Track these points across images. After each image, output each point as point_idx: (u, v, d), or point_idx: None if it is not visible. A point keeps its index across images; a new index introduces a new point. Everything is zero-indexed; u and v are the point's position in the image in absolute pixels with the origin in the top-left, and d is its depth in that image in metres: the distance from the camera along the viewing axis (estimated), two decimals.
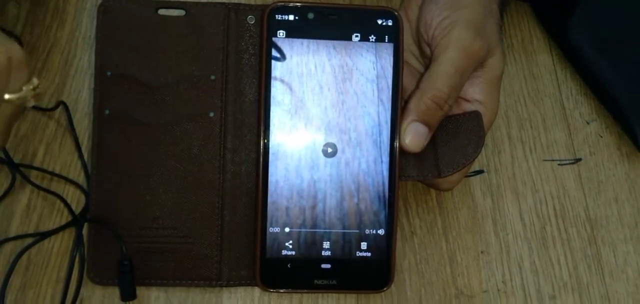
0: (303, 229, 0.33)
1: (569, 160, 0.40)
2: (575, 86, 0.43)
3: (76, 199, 0.36)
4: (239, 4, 0.36)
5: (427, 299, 0.35)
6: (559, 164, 0.40)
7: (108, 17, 0.35)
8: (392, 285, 0.34)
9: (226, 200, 0.35)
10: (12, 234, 0.35)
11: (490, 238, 0.37)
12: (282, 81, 0.34)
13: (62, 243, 0.35)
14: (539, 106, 0.42)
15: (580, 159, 0.40)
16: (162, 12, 0.36)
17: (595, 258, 0.37)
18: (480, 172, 0.39)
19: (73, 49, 0.40)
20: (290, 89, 0.34)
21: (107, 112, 0.35)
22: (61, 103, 0.38)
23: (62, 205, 0.36)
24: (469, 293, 0.36)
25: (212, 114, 0.35)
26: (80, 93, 0.39)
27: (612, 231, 0.38)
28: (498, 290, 0.36)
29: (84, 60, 0.40)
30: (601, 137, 0.41)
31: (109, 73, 0.35)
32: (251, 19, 0.36)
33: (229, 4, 0.36)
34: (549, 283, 0.36)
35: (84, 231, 0.35)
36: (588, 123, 0.42)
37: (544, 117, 0.41)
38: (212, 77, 0.35)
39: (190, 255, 0.34)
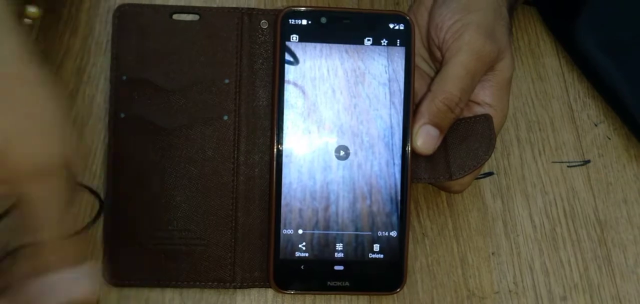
0: (316, 231, 0.34)
1: (577, 162, 0.40)
2: (582, 89, 0.43)
3: (90, 205, 0.36)
4: (253, 9, 0.37)
5: (439, 300, 0.35)
6: (567, 166, 0.40)
7: (123, 22, 0.36)
8: (405, 287, 0.35)
9: (240, 202, 0.35)
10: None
11: (501, 239, 0.38)
12: (295, 84, 0.34)
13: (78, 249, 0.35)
14: (547, 108, 0.42)
15: (589, 161, 0.41)
16: (176, 16, 0.36)
17: (605, 259, 0.37)
18: (490, 174, 0.40)
19: (86, 55, 0.41)
20: (303, 92, 0.34)
21: (122, 115, 0.35)
22: None
23: (78, 207, 0.36)
24: (481, 294, 0.36)
25: (225, 118, 0.36)
26: (94, 98, 0.39)
27: (622, 232, 0.38)
28: (509, 291, 0.36)
29: (97, 66, 0.40)
30: (609, 139, 0.41)
31: (124, 77, 0.35)
32: (264, 24, 0.37)
33: (242, 8, 0.37)
34: (559, 284, 0.36)
35: (99, 234, 0.35)
36: (596, 125, 0.42)
37: (552, 119, 0.42)
38: (226, 81, 0.36)
39: (204, 257, 0.35)
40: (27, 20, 0.34)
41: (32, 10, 0.34)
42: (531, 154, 0.41)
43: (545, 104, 0.42)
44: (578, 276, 0.37)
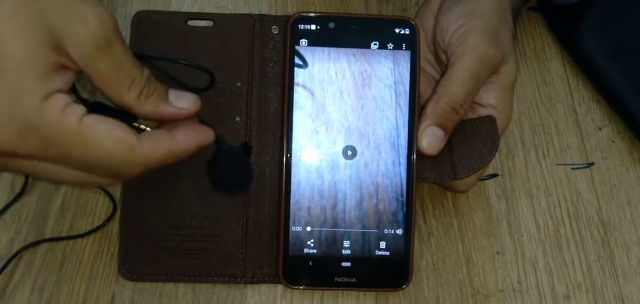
0: (324, 228, 0.35)
1: (581, 164, 0.41)
2: (587, 93, 0.44)
3: (105, 206, 0.38)
4: (264, 15, 0.38)
5: (444, 298, 0.36)
6: (571, 169, 0.41)
7: (141, 27, 0.37)
8: (410, 284, 0.36)
9: (251, 200, 0.36)
10: (47, 234, 0.37)
11: (506, 239, 0.38)
12: (304, 87, 0.35)
13: (95, 241, 0.37)
14: (551, 111, 0.43)
15: (592, 164, 0.41)
16: (191, 23, 0.38)
17: (608, 259, 0.38)
18: (494, 175, 0.40)
19: None
20: (312, 94, 0.35)
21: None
22: None
23: (94, 206, 0.38)
24: (485, 292, 0.37)
25: (238, 119, 0.37)
26: None
27: (625, 234, 0.39)
28: (513, 290, 0.37)
29: None
30: (613, 142, 0.42)
31: None
32: (275, 29, 0.38)
33: (254, 15, 0.38)
34: (563, 284, 0.37)
35: (115, 229, 0.37)
36: (600, 129, 0.43)
37: (557, 122, 0.43)
38: (238, 84, 0.37)
39: (216, 253, 0.36)
40: None
41: None
42: (535, 156, 0.41)
43: (549, 107, 0.43)
44: (581, 275, 0.37)
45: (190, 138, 0.29)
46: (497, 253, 0.38)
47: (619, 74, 0.42)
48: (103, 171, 0.28)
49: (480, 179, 0.39)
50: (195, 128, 0.30)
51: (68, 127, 0.26)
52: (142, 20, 0.38)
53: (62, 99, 0.26)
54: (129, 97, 0.28)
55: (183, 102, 0.29)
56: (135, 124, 0.29)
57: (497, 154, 0.41)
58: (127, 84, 0.27)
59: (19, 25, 0.25)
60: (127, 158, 0.27)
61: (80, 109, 0.26)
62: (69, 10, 0.26)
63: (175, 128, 0.29)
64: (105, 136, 0.26)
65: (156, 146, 0.28)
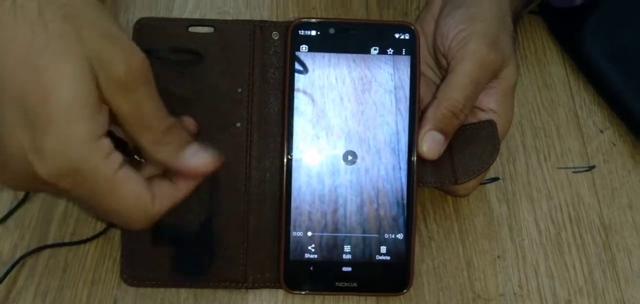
0: (325, 233, 0.35)
1: (583, 168, 0.41)
2: (588, 96, 0.44)
3: None
4: (264, 21, 0.39)
5: (445, 302, 0.36)
6: (573, 172, 0.41)
7: (143, 33, 0.37)
8: (411, 288, 0.36)
9: (252, 206, 0.37)
10: (50, 240, 0.37)
11: (506, 243, 0.38)
12: (304, 92, 0.35)
13: (98, 247, 0.37)
14: (552, 115, 0.43)
15: (594, 167, 0.41)
16: (192, 29, 0.38)
17: (610, 263, 0.38)
18: (495, 179, 0.40)
19: None
20: (313, 100, 0.35)
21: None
22: None
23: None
24: (486, 296, 0.37)
25: (238, 125, 0.37)
26: None
27: (627, 237, 0.39)
28: (514, 294, 0.37)
29: None
30: (614, 145, 0.42)
31: None
32: (275, 35, 0.38)
33: (254, 21, 0.38)
34: (564, 288, 0.37)
35: (117, 235, 0.37)
36: (601, 132, 0.43)
37: (558, 126, 0.43)
38: (239, 90, 0.37)
39: (217, 258, 0.36)
40: None
41: None
42: (537, 160, 0.41)
43: (551, 111, 0.43)
44: (583, 280, 0.37)
45: (190, 184, 0.31)
46: (498, 257, 0.38)
47: (620, 76, 0.42)
48: (116, 219, 0.29)
49: (481, 183, 0.39)
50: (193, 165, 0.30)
51: (106, 175, 0.26)
52: (144, 27, 0.38)
53: (107, 145, 0.26)
54: (144, 140, 0.28)
55: (198, 160, 0.30)
56: (136, 157, 0.30)
57: (498, 158, 0.41)
58: (145, 128, 0.28)
59: (63, 66, 0.25)
60: (140, 215, 0.28)
61: (118, 158, 0.27)
62: (99, 51, 0.26)
63: (178, 177, 0.30)
64: (131, 193, 0.28)
65: (164, 202, 0.29)
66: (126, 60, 0.26)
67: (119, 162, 0.27)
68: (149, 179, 0.29)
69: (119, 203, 0.27)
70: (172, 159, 0.29)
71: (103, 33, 0.26)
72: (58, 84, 0.25)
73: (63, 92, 0.25)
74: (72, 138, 0.25)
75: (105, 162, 0.26)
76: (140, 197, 0.28)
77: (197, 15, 0.45)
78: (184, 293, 0.36)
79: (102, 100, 0.26)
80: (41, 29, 0.25)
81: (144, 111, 0.28)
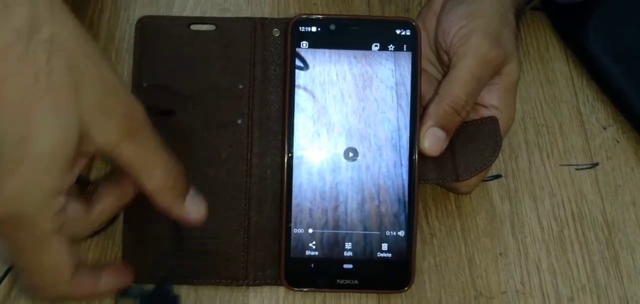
0: (326, 230, 0.35)
1: (586, 165, 0.41)
2: (591, 92, 0.44)
3: None
4: (265, 18, 0.38)
5: (447, 299, 0.36)
6: (576, 169, 0.41)
7: (145, 32, 0.37)
8: (413, 286, 0.36)
9: (252, 203, 0.36)
10: None
11: (509, 240, 0.38)
12: (305, 89, 0.35)
13: (98, 244, 0.37)
14: (555, 112, 0.43)
15: (597, 164, 0.41)
16: (194, 27, 0.38)
17: (613, 260, 0.38)
18: (498, 176, 0.40)
19: None
20: (313, 96, 0.35)
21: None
22: None
23: None
24: (488, 294, 0.36)
25: (239, 122, 0.37)
26: None
27: (630, 235, 0.39)
28: (517, 291, 0.37)
29: (118, 72, 0.42)
30: (618, 142, 0.42)
31: (145, 84, 0.37)
32: (276, 32, 0.38)
33: (255, 18, 0.38)
34: (567, 285, 0.37)
35: (118, 232, 0.37)
36: (605, 129, 0.42)
37: (561, 123, 0.42)
38: (240, 87, 0.37)
39: (218, 255, 0.36)
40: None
41: None
42: (539, 157, 0.41)
43: (554, 107, 0.43)
44: (585, 277, 0.37)
45: (110, 285, 0.30)
46: (500, 255, 0.38)
47: (623, 73, 0.42)
48: (29, 278, 0.28)
49: (483, 180, 0.39)
50: (118, 272, 0.31)
51: (45, 233, 0.26)
52: (145, 26, 0.38)
53: (60, 203, 0.26)
54: (148, 186, 0.29)
55: (196, 208, 0.31)
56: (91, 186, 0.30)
57: (500, 155, 0.41)
58: (149, 172, 0.29)
59: (52, 118, 0.25)
60: (53, 285, 0.28)
61: (60, 224, 0.27)
62: (100, 105, 0.26)
63: (103, 271, 0.30)
64: (57, 260, 0.27)
65: (80, 289, 0.29)
66: (125, 111, 0.27)
67: (60, 225, 0.27)
68: (77, 263, 0.28)
69: (40, 264, 0.27)
70: (174, 207, 0.30)
71: (104, 85, 0.27)
72: (41, 132, 0.24)
73: (42, 142, 0.25)
74: (35, 187, 0.25)
75: (51, 220, 0.26)
76: (62, 269, 0.27)
77: (198, 13, 0.45)
78: (185, 290, 0.36)
79: (105, 153, 0.27)
80: (44, 77, 0.24)
81: (147, 157, 0.28)
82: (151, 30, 0.38)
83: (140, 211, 0.36)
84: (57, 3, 0.26)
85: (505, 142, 0.41)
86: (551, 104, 0.43)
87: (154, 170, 0.29)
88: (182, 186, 0.30)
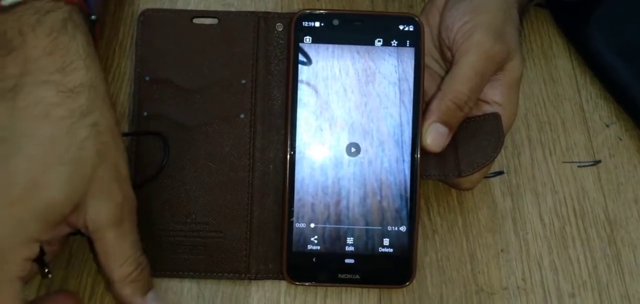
0: (327, 225, 0.35)
1: (588, 162, 0.41)
2: (594, 90, 0.44)
3: None
4: (268, 13, 0.39)
5: (448, 295, 0.36)
6: (578, 166, 0.41)
7: (147, 26, 0.38)
8: (414, 281, 0.36)
9: (255, 197, 0.37)
10: None
11: (510, 237, 0.38)
12: (308, 84, 0.35)
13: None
14: (558, 109, 0.43)
15: (599, 161, 0.41)
16: (196, 21, 0.38)
17: (615, 258, 0.38)
18: (500, 173, 0.40)
19: (111, 57, 0.43)
20: (316, 91, 0.35)
21: (145, 114, 0.37)
22: None
23: None
24: (489, 290, 0.36)
25: (242, 116, 0.37)
26: (118, 97, 0.41)
27: (632, 232, 0.39)
28: (518, 287, 0.37)
29: (121, 67, 0.42)
30: (621, 140, 0.42)
31: (147, 78, 0.37)
32: (279, 26, 0.38)
33: (258, 12, 0.38)
34: (568, 282, 0.37)
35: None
36: (607, 126, 0.42)
37: (564, 120, 0.42)
38: (243, 81, 0.37)
39: (221, 249, 0.36)
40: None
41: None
42: (542, 154, 0.41)
43: (557, 105, 0.43)
44: (587, 274, 0.37)
45: None
46: (502, 251, 0.38)
47: (627, 70, 0.42)
48: None
49: (485, 177, 0.39)
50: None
51: (7, 271, 0.28)
52: (148, 19, 0.38)
53: (34, 252, 0.28)
54: (118, 273, 0.31)
55: None
56: (46, 270, 0.31)
57: (503, 152, 0.41)
58: (121, 261, 0.31)
59: (67, 179, 0.28)
60: None
61: (23, 273, 0.28)
62: (105, 188, 0.30)
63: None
64: (11, 300, 0.28)
65: None
66: (122, 200, 0.30)
67: (24, 274, 0.28)
68: None
69: None
70: (135, 299, 0.31)
71: (115, 174, 0.30)
72: (51, 185, 0.28)
73: (48, 193, 0.28)
74: (23, 227, 0.28)
75: (21, 264, 0.28)
76: None
77: (201, 7, 0.45)
78: (187, 283, 0.36)
79: (90, 231, 0.30)
80: (76, 150, 0.29)
81: (124, 244, 0.31)
82: (154, 23, 0.38)
83: (143, 204, 0.36)
84: (106, 99, 0.31)
85: (507, 139, 0.41)
86: (554, 101, 0.43)
87: (124, 261, 0.31)
88: (144, 283, 0.32)
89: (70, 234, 0.32)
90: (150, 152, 0.36)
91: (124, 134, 0.35)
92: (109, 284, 0.32)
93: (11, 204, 0.28)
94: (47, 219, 0.28)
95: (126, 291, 0.31)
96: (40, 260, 0.30)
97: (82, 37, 0.31)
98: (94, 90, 0.30)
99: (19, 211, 0.28)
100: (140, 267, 0.32)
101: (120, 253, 0.31)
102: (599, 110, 0.43)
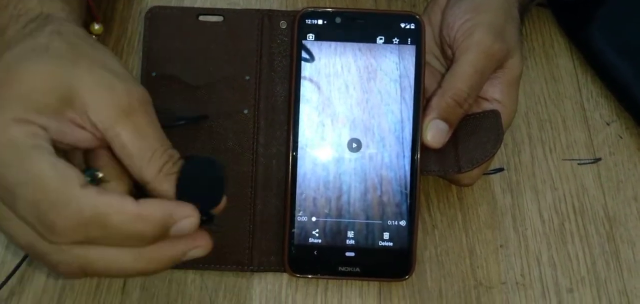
0: (329, 219, 0.36)
1: (588, 160, 0.41)
2: (595, 88, 0.44)
3: None
4: (272, 11, 0.39)
5: (447, 289, 0.37)
6: (578, 164, 0.41)
7: (154, 23, 0.38)
8: (413, 274, 0.36)
9: (258, 191, 0.37)
10: None
11: (510, 232, 0.39)
12: (311, 80, 0.36)
13: None
14: (559, 107, 0.43)
15: (599, 159, 0.41)
16: (202, 18, 0.39)
17: (613, 254, 0.38)
18: (500, 170, 0.41)
19: (119, 53, 0.44)
20: (319, 88, 0.36)
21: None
22: None
23: None
24: (488, 284, 0.37)
25: (246, 112, 0.38)
26: None
27: (631, 229, 0.39)
28: (516, 282, 0.37)
29: (129, 63, 0.43)
30: (621, 138, 0.42)
31: (154, 73, 0.38)
32: (283, 24, 0.39)
33: (263, 10, 0.39)
34: (566, 277, 0.37)
35: None
36: (608, 124, 0.43)
37: (564, 118, 0.43)
38: (247, 78, 0.38)
39: (224, 241, 0.37)
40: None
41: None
42: (542, 151, 0.41)
43: (557, 103, 0.43)
44: (585, 270, 0.38)
45: (157, 212, 0.26)
46: (501, 246, 0.38)
47: (628, 69, 0.42)
48: (27, 204, 0.25)
49: (486, 174, 0.40)
50: (181, 206, 0.27)
51: (16, 143, 0.25)
52: (155, 16, 0.39)
53: (35, 128, 0.26)
54: (148, 171, 0.27)
55: None
56: (98, 173, 0.28)
57: (503, 149, 0.41)
58: (148, 156, 0.27)
59: (41, 69, 0.27)
60: (60, 193, 0.25)
61: (44, 143, 0.25)
62: (99, 79, 0.27)
63: (147, 201, 0.27)
64: (47, 164, 0.25)
65: (106, 199, 0.25)
66: (126, 89, 0.27)
67: (46, 147, 0.25)
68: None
69: (31, 181, 0.24)
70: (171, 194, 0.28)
71: (105, 67, 0.28)
72: (27, 69, 0.27)
73: (26, 77, 0.27)
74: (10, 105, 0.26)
75: (20, 135, 0.25)
76: (64, 173, 0.25)
77: (208, 5, 0.46)
78: (191, 274, 0.37)
79: (103, 134, 0.27)
80: (43, 50, 0.27)
81: (146, 135, 0.27)
82: (160, 20, 0.39)
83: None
84: (68, 19, 0.30)
85: (508, 137, 0.41)
86: (555, 99, 0.43)
87: (151, 155, 0.27)
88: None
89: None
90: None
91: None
92: (146, 190, 0.28)
93: None
94: (36, 99, 0.26)
95: (164, 187, 0.27)
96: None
97: None
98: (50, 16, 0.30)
99: (2, 93, 0.26)
100: (172, 159, 0.28)
101: (143, 147, 0.27)
102: (599, 108, 0.43)
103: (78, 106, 0.27)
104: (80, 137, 0.27)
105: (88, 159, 0.29)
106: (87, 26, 0.39)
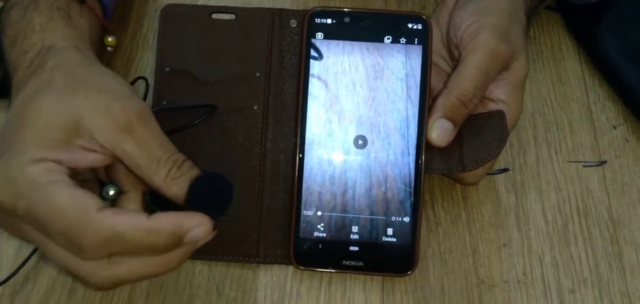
0: (334, 213, 0.36)
1: (594, 162, 0.41)
2: (602, 92, 0.44)
3: None
4: (283, 10, 0.40)
5: (449, 285, 0.37)
6: (583, 166, 0.41)
7: (168, 20, 0.40)
8: (416, 271, 0.37)
9: (265, 185, 0.38)
10: None
11: (513, 232, 0.39)
12: (319, 78, 0.37)
13: None
14: (565, 109, 0.43)
15: (605, 162, 0.41)
16: (215, 16, 0.40)
17: (616, 256, 0.38)
18: (505, 170, 0.41)
19: (134, 50, 0.45)
20: (326, 85, 0.37)
21: (164, 102, 0.39)
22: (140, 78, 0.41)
23: None
24: (490, 282, 0.37)
25: (255, 108, 0.39)
26: (140, 87, 0.44)
27: (635, 232, 0.39)
28: (518, 281, 0.37)
29: (144, 59, 0.45)
30: (627, 141, 0.42)
31: (167, 69, 0.39)
32: (293, 23, 0.40)
33: (273, 9, 0.40)
34: (569, 278, 0.38)
35: None
36: (614, 127, 0.43)
37: (571, 120, 0.43)
38: (257, 75, 0.39)
39: (231, 233, 0.38)
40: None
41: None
42: (547, 153, 0.42)
43: (564, 105, 0.44)
44: (588, 271, 0.38)
45: (167, 225, 0.29)
46: (504, 245, 0.39)
47: (635, 73, 0.42)
48: (56, 233, 0.28)
49: (491, 173, 0.40)
50: (190, 216, 0.30)
51: (37, 182, 0.28)
52: (170, 14, 0.40)
53: (50, 165, 0.28)
54: (157, 178, 0.30)
55: None
56: (110, 190, 0.31)
57: (508, 150, 0.42)
58: (154, 165, 0.30)
59: (48, 104, 0.29)
60: (80, 219, 0.28)
61: (60, 176, 0.28)
62: (96, 104, 0.30)
63: (159, 215, 0.29)
64: (66, 196, 0.28)
65: (121, 219, 0.28)
66: (122, 108, 0.30)
67: (60, 178, 0.28)
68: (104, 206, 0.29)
69: (51, 207, 0.27)
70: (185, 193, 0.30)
71: (103, 90, 0.30)
72: (37, 110, 0.29)
73: (36, 113, 0.29)
74: (17, 158, 0.28)
75: (40, 174, 0.28)
76: (80, 200, 0.28)
77: (221, 4, 0.47)
78: (199, 264, 0.38)
79: (111, 152, 0.30)
80: (46, 85, 0.30)
81: (148, 145, 0.30)
82: (174, 18, 0.40)
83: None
84: (68, 46, 0.32)
85: (513, 138, 0.42)
86: (562, 102, 0.44)
87: (157, 163, 0.30)
88: (192, 172, 0.31)
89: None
90: (170, 138, 0.38)
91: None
92: (160, 194, 0.30)
93: (15, 133, 0.29)
94: (46, 137, 0.29)
95: (173, 190, 0.30)
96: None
97: (39, 19, 0.33)
98: (52, 49, 0.32)
99: (18, 137, 0.29)
100: (176, 164, 0.30)
101: (148, 157, 0.30)
102: (606, 111, 0.43)
103: (84, 132, 0.29)
104: (94, 159, 0.30)
105: (108, 172, 0.32)
106: (101, 38, 0.41)
